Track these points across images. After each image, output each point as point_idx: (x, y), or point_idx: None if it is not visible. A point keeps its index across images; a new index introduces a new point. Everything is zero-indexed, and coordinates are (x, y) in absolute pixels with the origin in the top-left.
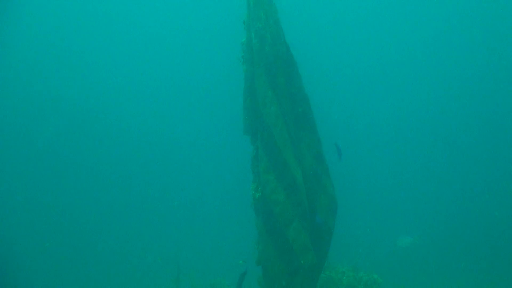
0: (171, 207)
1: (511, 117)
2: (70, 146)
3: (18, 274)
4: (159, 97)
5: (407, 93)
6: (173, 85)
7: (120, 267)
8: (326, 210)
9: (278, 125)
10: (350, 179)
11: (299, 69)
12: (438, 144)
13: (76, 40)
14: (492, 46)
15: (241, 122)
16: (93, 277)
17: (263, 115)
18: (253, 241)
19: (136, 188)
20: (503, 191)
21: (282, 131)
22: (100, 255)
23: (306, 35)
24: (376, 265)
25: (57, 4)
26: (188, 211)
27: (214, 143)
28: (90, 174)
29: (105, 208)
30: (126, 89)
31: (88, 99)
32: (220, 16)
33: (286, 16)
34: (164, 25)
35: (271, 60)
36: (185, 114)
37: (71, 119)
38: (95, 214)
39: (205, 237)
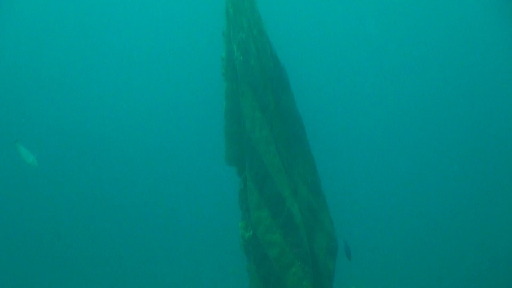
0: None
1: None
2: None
3: None
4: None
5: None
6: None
7: None
8: (325, 251)
9: (269, 152)
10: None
11: (291, 83)
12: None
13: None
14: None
15: (221, 150)
16: None
17: (251, 141)
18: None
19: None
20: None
21: (274, 159)
22: None
23: (295, 40)
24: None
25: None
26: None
27: (192, 175)
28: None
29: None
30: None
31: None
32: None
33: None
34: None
35: (258, 75)
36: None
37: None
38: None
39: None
